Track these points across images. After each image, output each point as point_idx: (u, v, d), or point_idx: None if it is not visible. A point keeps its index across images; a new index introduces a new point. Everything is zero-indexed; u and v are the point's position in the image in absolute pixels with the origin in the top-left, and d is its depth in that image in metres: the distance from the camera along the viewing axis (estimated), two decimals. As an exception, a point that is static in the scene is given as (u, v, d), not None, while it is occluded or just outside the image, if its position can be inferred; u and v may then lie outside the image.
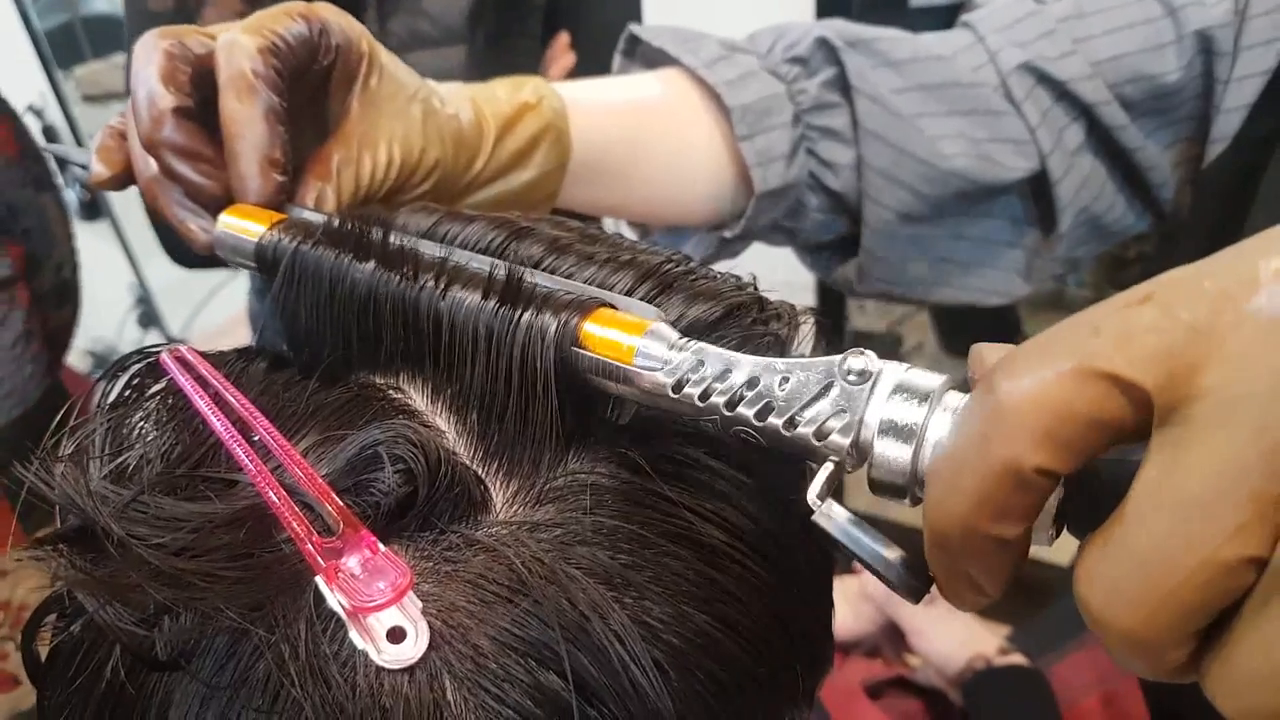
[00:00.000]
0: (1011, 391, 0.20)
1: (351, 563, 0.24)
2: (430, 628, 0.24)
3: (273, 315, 0.32)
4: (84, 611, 0.26)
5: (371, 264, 0.30)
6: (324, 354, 0.31)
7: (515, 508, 0.27)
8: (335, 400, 0.29)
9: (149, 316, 2.19)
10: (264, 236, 0.34)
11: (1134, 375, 0.19)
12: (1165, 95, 0.55)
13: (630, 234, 0.65)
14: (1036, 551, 0.23)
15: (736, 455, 0.28)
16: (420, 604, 0.24)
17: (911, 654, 0.90)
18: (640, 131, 0.56)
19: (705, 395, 0.26)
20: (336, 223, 0.32)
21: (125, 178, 0.42)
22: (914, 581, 0.24)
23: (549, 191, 0.51)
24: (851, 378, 0.24)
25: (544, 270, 0.31)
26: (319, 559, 0.24)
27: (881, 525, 0.25)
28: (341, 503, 0.25)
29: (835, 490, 0.25)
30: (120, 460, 0.27)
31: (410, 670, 0.23)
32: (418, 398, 0.30)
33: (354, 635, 0.23)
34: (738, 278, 0.33)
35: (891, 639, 0.92)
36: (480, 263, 0.30)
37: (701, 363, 0.26)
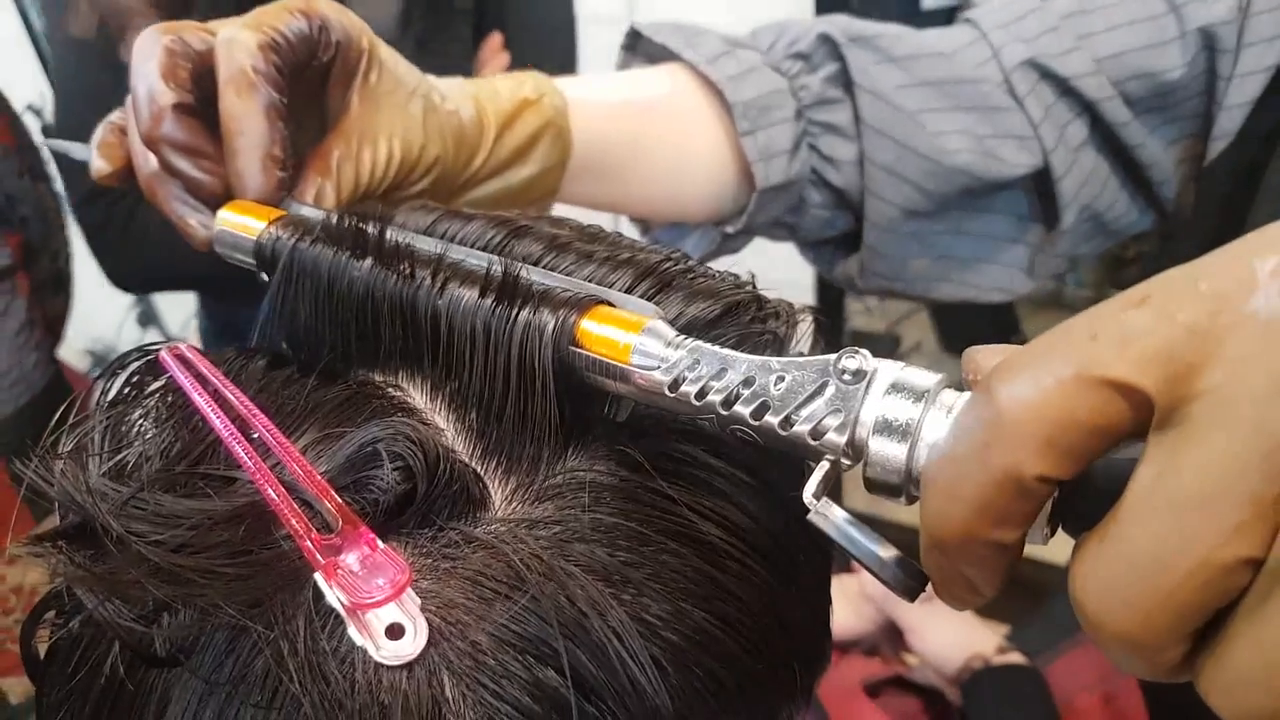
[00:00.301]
0: (1012, 399, 0.20)
1: (350, 559, 0.24)
2: (429, 624, 0.24)
3: (271, 312, 0.32)
4: (83, 608, 0.26)
5: (369, 262, 0.30)
6: (323, 352, 0.31)
7: (514, 505, 0.27)
8: (334, 398, 0.29)
9: (148, 315, 2.19)
10: (263, 234, 0.34)
11: (1135, 379, 0.19)
12: (1168, 92, 0.54)
13: (631, 230, 0.65)
14: (1036, 551, 0.23)
15: (735, 453, 0.28)
16: (419, 601, 0.24)
17: (910, 653, 0.90)
18: (641, 127, 0.56)
19: (702, 394, 0.26)
20: (335, 220, 0.32)
21: (125, 173, 0.42)
22: (909, 580, 0.24)
23: (549, 188, 0.51)
24: (846, 377, 0.24)
25: (543, 268, 0.31)
26: (318, 556, 0.24)
27: (880, 524, 0.25)
28: (340, 500, 0.25)
29: (833, 489, 0.25)
30: (119, 457, 0.27)
31: (409, 667, 0.23)
32: (416, 395, 0.30)
33: (353, 632, 0.23)
34: (736, 276, 0.32)
35: (890, 638, 0.92)
36: (478, 260, 0.30)
37: (698, 361, 0.26)
